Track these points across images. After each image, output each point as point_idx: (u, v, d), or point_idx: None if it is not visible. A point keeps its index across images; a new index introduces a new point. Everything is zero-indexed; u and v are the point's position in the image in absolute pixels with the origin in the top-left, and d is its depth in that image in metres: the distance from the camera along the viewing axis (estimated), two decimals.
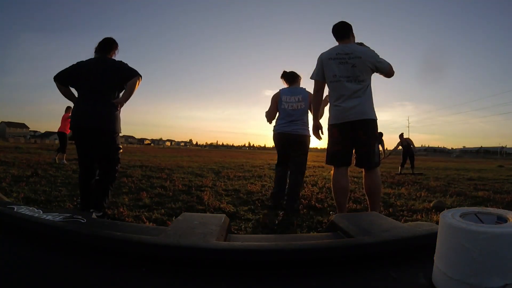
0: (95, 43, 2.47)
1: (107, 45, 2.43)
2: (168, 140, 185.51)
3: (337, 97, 2.32)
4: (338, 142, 2.34)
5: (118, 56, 2.50)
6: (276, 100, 3.01)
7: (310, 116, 2.91)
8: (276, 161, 3.18)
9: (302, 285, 0.34)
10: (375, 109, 2.35)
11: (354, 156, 2.38)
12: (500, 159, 47.66)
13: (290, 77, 3.05)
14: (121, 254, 0.39)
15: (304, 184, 4.34)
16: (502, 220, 0.33)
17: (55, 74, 2.33)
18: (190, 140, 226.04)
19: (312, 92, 2.65)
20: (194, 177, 5.19)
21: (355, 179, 4.95)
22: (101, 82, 2.29)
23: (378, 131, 2.44)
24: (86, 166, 2.40)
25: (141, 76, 2.36)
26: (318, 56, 2.41)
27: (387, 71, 2.32)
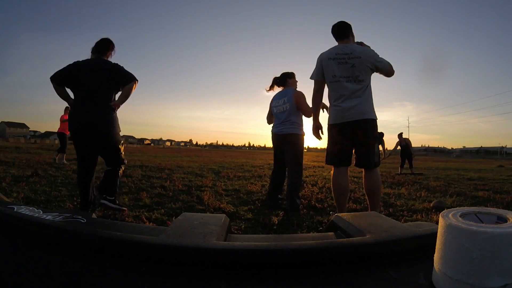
0: (94, 43, 2.48)
1: (104, 46, 2.43)
2: (168, 140, 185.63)
3: (336, 97, 2.32)
4: (338, 142, 2.34)
5: (118, 56, 2.51)
6: (270, 105, 3.20)
7: (302, 115, 3.03)
8: None
9: (302, 285, 0.34)
10: (375, 109, 2.35)
11: (354, 156, 2.38)
12: (500, 159, 47.63)
13: (280, 82, 3.18)
14: (121, 254, 0.39)
15: (304, 184, 4.34)
16: (502, 220, 0.33)
17: (51, 75, 2.33)
18: (190, 140, 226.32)
19: (299, 92, 2.96)
20: (194, 177, 5.19)
21: (355, 179, 4.95)
22: (97, 84, 2.30)
23: (379, 131, 2.44)
24: (84, 166, 2.42)
25: (137, 80, 2.39)
26: (318, 56, 2.42)
27: (387, 70, 2.32)
